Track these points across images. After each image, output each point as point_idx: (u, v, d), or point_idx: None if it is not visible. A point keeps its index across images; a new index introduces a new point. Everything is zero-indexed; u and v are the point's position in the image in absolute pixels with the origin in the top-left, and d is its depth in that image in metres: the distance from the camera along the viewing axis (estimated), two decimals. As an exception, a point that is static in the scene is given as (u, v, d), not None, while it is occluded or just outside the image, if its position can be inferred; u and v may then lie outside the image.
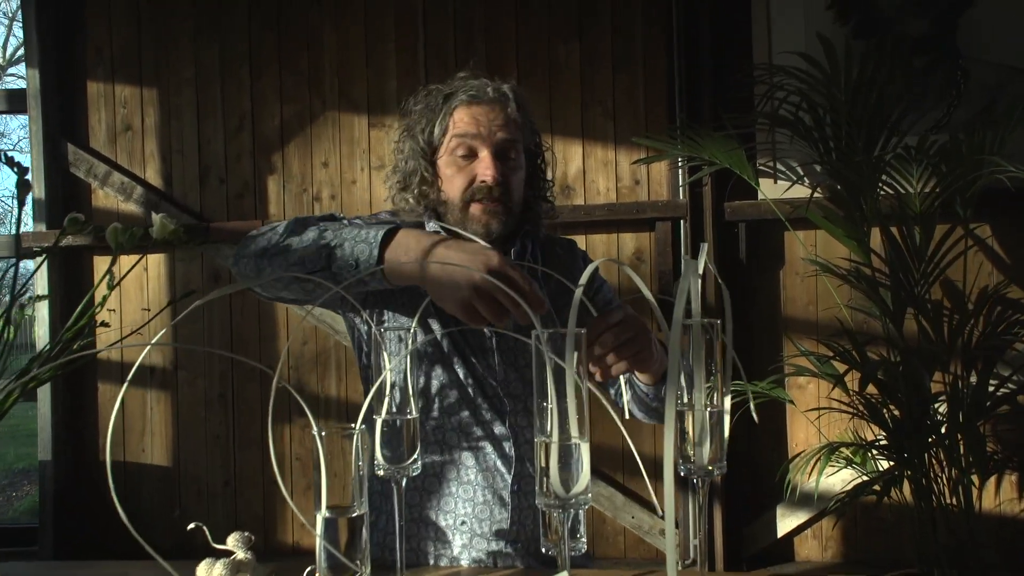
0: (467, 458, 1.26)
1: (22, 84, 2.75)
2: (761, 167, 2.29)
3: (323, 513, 0.72)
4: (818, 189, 1.97)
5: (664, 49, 2.44)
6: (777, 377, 2.07)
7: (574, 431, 0.72)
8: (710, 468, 0.82)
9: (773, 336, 2.42)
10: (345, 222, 1.18)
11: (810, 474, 2.12)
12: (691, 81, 2.40)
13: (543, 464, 0.71)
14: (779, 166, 2.28)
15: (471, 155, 1.28)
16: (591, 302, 1.44)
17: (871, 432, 1.99)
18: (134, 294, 2.71)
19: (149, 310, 2.70)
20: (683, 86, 2.39)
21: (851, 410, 1.93)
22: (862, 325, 2.23)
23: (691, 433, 0.82)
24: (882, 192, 1.88)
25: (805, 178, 2.24)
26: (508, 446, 1.26)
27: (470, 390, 1.28)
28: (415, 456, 0.88)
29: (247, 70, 2.66)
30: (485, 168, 1.26)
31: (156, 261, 2.71)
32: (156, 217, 0.95)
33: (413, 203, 1.35)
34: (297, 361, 2.64)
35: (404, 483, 0.88)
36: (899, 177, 1.75)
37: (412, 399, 0.88)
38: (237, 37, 2.67)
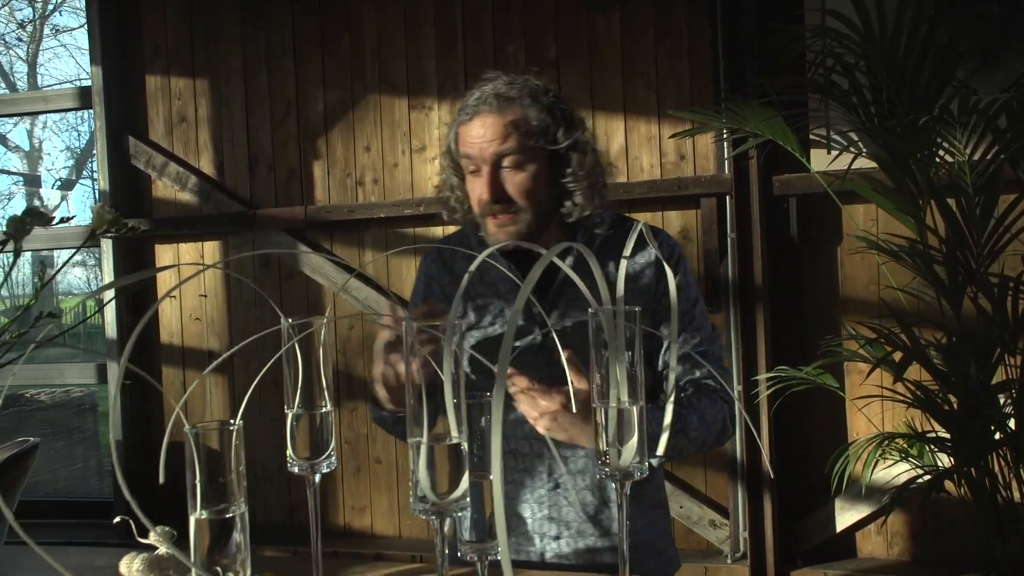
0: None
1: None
2: (814, 136, 2.12)
3: (197, 514, 0.69)
4: (863, 158, 1.80)
5: (707, 14, 2.29)
6: (826, 362, 1.91)
7: (452, 431, 0.66)
8: (630, 470, 0.74)
9: (829, 318, 2.25)
10: None
11: (863, 466, 1.96)
12: (735, 47, 2.24)
13: (412, 467, 0.65)
14: (833, 135, 2.10)
15: (478, 171, 1.29)
16: (660, 294, 1.33)
17: (931, 423, 1.82)
18: (192, 280, 2.79)
19: (206, 296, 2.79)
20: (726, 52, 2.24)
21: (904, 399, 1.76)
22: (930, 307, 2.04)
23: (607, 431, 0.74)
24: (940, 160, 1.70)
25: (860, 145, 2.05)
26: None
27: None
28: (329, 452, 0.84)
29: (291, 57, 2.69)
30: (480, 188, 1.27)
31: (211, 248, 2.78)
32: (94, 207, 0.94)
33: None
34: (344, 345, 2.66)
35: (318, 479, 0.84)
36: (945, 143, 1.57)
37: (326, 393, 0.84)
38: (281, 24, 2.69)
